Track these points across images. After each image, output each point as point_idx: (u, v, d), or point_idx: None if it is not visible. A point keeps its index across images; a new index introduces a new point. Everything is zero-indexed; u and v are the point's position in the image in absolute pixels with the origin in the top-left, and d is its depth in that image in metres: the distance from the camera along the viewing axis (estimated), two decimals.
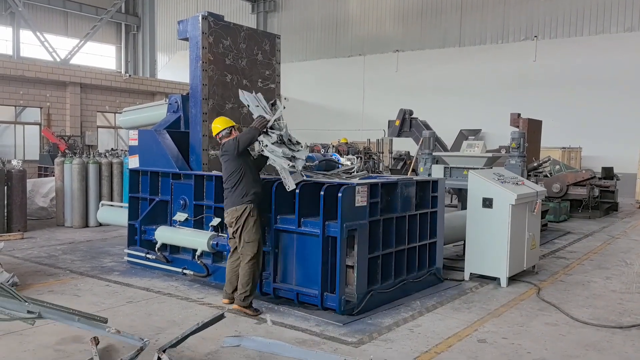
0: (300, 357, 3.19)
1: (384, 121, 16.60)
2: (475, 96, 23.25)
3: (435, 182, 6.70)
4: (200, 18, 6.93)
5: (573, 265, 8.14)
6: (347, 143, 19.75)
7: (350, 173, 6.41)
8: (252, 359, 4.28)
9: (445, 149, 12.19)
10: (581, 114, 21.07)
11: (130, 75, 24.19)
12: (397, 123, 13.62)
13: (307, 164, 10.11)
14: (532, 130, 13.04)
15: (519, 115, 13.19)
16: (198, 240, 6.56)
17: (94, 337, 4.25)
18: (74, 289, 6.27)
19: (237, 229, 5.48)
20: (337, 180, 5.82)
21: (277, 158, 5.44)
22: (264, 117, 5.54)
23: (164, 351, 3.60)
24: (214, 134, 5.85)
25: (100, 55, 31.94)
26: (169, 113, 7.73)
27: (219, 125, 5.79)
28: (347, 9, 28.00)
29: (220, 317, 3.85)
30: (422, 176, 9.03)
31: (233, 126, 5.80)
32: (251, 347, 3.48)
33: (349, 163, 9.33)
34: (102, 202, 9.89)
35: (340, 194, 5.24)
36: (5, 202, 9.79)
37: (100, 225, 10.54)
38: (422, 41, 25.57)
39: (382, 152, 20.66)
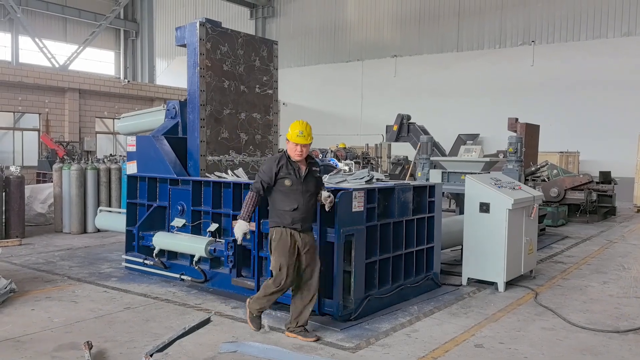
0: None
1: (382, 126, 16.65)
2: (473, 101, 23.32)
3: (432, 187, 6.72)
4: (197, 24, 6.96)
5: (571, 269, 8.15)
6: (345, 148, 19.81)
7: (364, 179, 6.28)
8: None
9: (443, 154, 12.23)
10: (579, 118, 21.13)
11: (129, 81, 24.23)
12: (395, 128, 13.66)
13: None
14: (529, 134, 13.06)
15: (516, 119, 13.21)
16: (196, 246, 6.57)
17: (87, 342, 4.26)
18: (72, 296, 6.27)
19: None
20: (333, 185, 5.83)
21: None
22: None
23: (151, 355, 3.62)
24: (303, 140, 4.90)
25: (99, 61, 32.02)
26: (167, 119, 7.75)
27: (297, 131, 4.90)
28: (345, 14, 28.10)
29: (207, 321, 3.87)
30: (419, 181, 9.05)
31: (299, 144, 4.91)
32: (248, 352, 3.50)
33: (347, 168, 9.35)
34: (100, 208, 9.89)
35: (337, 200, 5.26)
36: (4, 208, 9.79)
37: (99, 231, 10.54)
38: (420, 46, 25.66)
39: (381, 157, 20.71)
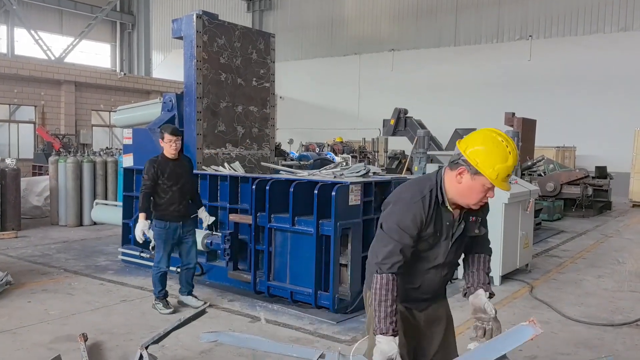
0: (278, 351, 3.26)
1: (379, 120, 16.63)
2: (470, 95, 23.30)
3: None
4: (194, 17, 6.93)
5: (566, 263, 8.19)
6: (342, 142, 19.80)
7: (360, 172, 6.31)
8: (245, 357, 4.30)
9: (439, 148, 12.24)
10: (575, 113, 21.14)
11: (125, 74, 24.12)
12: (392, 122, 13.66)
13: (303, 162, 10.16)
14: (526, 129, 13.07)
15: (513, 114, 13.22)
16: None
17: (83, 334, 4.26)
18: (68, 288, 6.26)
19: None
20: (330, 179, 5.83)
21: None
22: None
23: (146, 348, 3.63)
24: None
25: (95, 54, 31.82)
26: (164, 112, 7.73)
27: None
28: (343, 8, 27.99)
29: (202, 312, 3.89)
30: (416, 175, 9.06)
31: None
32: (228, 342, 3.54)
33: (343, 162, 9.36)
34: (96, 200, 9.88)
35: (334, 193, 5.27)
36: None
37: (95, 224, 10.51)
38: (418, 40, 25.60)
39: (378, 151, 20.70)
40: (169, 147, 5.44)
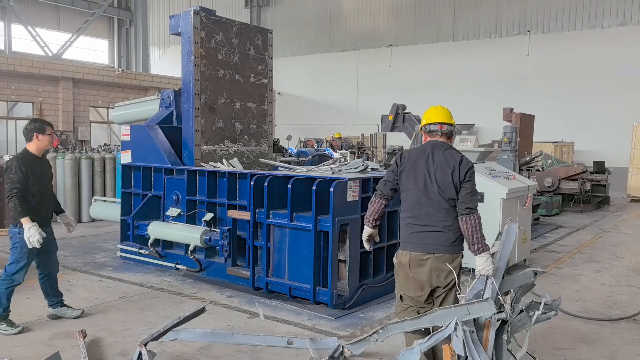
0: (245, 342, 3.34)
1: (377, 116, 16.61)
2: (469, 91, 23.29)
3: None
4: (192, 13, 6.92)
5: (564, 258, 8.21)
6: (340, 138, 19.77)
7: (358, 168, 6.28)
8: (244, 352, 4.32)
9: None
10: (574, 108, 21.16)
11: (123, 70, 24.06)
12: (390, 118, 13.62)
13: (301, 159, 10.14)
14: (524, 124, 13.08)
15: (511, 109, 13.23)
16: (191, 235, 6.57)
17: (82, 330, 4.28)
18: (67, 285, 6.26)
19: None
20: (328, 175, 5.83)
21: None
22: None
23: (145, 344, 3.65)
24: None
25: (93, 50, 31.72)
26: (162, 108, 7.72)
27: None
28: (341, 3, 27.94)
29: (201, 310, 3.91)
30: None
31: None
32: (187, 338, 3.66)
33: (342, 158, 9.36)
34: (94, 197, 9.87)
35: (332, 189, 5.27)
36: None
37: (93, 220, 10.53)
38: (416, 36, 25.57)
39: (376, 147, 20.69)
40: (48, 141, 4.85)
